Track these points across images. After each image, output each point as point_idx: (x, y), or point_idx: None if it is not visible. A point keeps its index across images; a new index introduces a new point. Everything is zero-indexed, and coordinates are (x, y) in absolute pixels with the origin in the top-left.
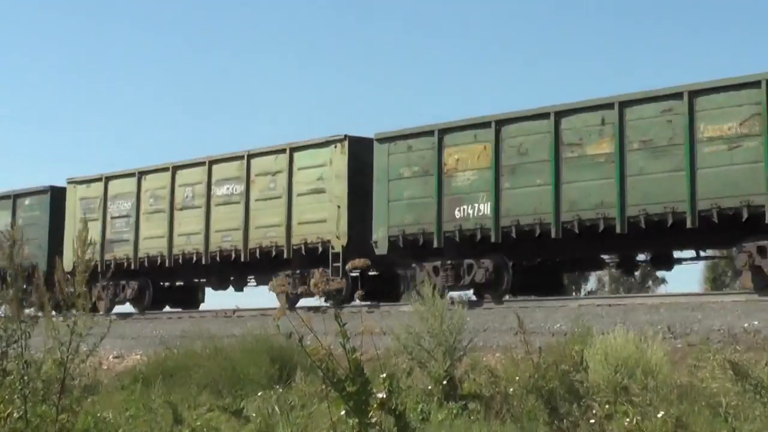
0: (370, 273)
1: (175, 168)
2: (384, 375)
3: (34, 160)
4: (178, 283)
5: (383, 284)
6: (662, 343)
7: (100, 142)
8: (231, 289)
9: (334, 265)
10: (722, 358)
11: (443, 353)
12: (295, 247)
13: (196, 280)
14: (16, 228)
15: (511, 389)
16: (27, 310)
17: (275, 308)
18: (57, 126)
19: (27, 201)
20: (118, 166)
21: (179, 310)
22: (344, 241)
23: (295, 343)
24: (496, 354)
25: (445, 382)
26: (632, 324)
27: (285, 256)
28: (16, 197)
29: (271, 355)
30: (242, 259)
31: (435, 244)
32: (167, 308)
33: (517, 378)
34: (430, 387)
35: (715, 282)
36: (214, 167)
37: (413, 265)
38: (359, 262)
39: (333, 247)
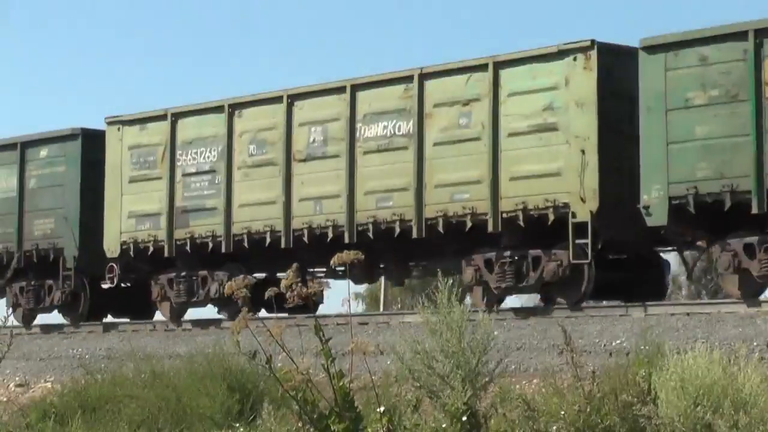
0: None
1: (293, 97)
2: (382, 409)
3: (52, 100)
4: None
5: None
6: (759, 366)
7: (131, 80)
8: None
9: (579, 241)
10: None
11: (462, 379)
12: (505, 216)
13: (323, 270)
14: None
15: (554, 427)
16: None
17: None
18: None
19: (43, 152)
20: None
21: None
22: (594, 204)
23: (261, 365)
24: (534, 380)
25: (464, 419)
26: (719, 340)
27: (490, 228)
28: (25, 147)
29: (229, 381)
30: (414, 235)
31: (754, 209)
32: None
33: (563, 413)
34: (444, 425)
35: None
36: (361, 95)
37: (700, 242)
38: (347, 255)
39: (575, 215)
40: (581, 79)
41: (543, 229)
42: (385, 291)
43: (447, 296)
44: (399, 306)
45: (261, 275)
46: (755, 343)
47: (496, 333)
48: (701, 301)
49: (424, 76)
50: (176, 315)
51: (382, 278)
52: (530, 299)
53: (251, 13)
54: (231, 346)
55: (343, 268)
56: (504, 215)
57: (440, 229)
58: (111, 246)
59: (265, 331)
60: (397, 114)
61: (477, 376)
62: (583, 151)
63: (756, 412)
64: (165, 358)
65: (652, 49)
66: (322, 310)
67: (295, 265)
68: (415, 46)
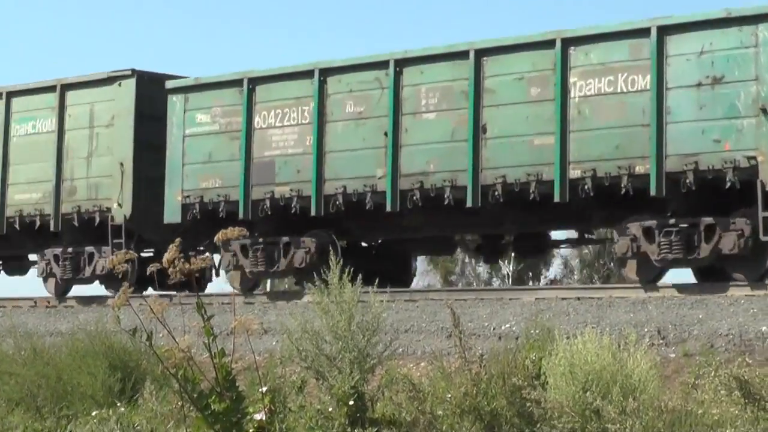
0: None
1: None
2: (264, 389)
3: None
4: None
5: None
6: (649, 352)
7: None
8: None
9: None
10: (728, 374)
11: (351, 362)
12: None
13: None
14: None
15: (441, 411)
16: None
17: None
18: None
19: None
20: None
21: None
22: None
23: (143, 342)
24: (422, 363)
25: (351, 402)
26: (609, 325)
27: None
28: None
29: (111, 359)
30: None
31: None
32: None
33: (450, 395)
34: (330, 408)
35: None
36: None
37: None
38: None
39: None
40: None
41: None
42: None
43: (338, 276)
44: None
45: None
46: (646, 329)
47: (384, 315)
48: (592, 285)
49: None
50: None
51: None
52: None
53: None
54: (113, 324)
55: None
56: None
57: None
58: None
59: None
60: None
61: (365, 358)
62: None
63: (645, 398)
64: (46, 336)
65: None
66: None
67: (178, 239)
68: None
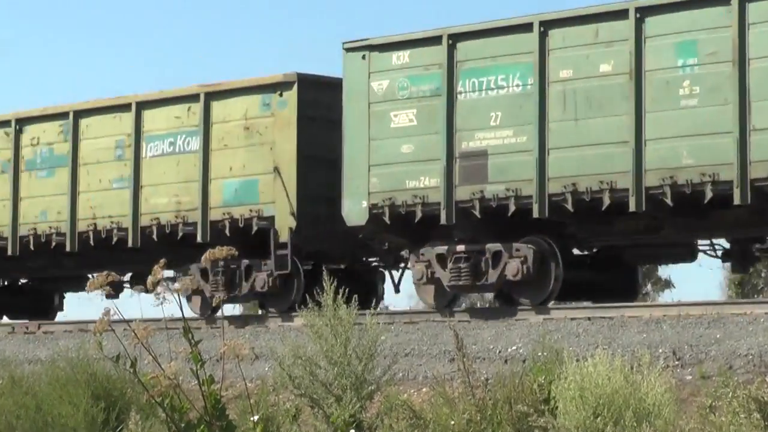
0: None
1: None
2: (256, 418)
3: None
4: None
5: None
6: (664, 374)
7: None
8: None
9: None
10: (747, 396)
11: (348, 388)
12: None
13: None
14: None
15: None
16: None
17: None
18: None
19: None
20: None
21: None
22: None
23: (126, 369)
24: (423, 389)
25: (350, 431)
26: (621, 346)
27: None
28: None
29: (94, 388)
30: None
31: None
32: None
33: (453, 422)
34: None
35: (743, 287)
36: None
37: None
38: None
39: None
40: None
41: None
42: None
43: (332, 297)
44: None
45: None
46: (660, 350)
47: (383, 338)
48: (603, 304)
49: None
50: None
51: None
52: None
53: None
54: (95, 350)
55: None
56: None
57: None
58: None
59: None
60: None
61: (363, 384)
62: None
63: (660, 423)
64: (25, 364)
65: None
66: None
67: (162, 260)
68: None
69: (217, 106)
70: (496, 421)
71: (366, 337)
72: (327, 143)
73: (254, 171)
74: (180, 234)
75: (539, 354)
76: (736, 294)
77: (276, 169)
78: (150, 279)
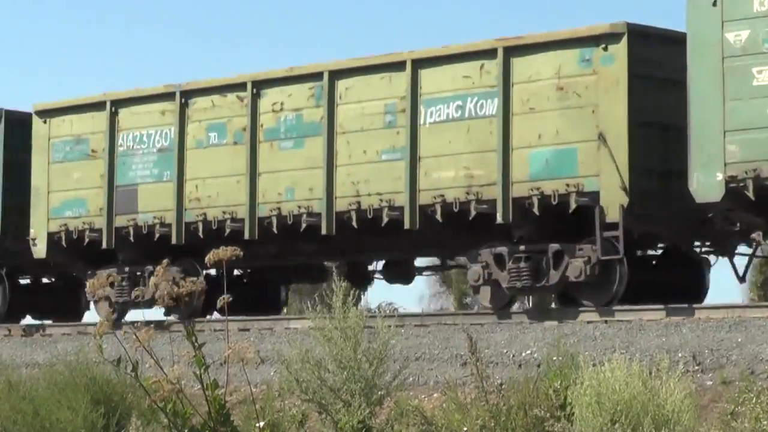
0: None
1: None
2: (262, 423)
3: None
4: None
5: None
6: (683, 379)
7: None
8: None
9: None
10: None
11: (357, 393)
12: None
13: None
14: None
15: None
16: None
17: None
18: None
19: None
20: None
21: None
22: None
23: (127, 373)
24: (434, 394)
25: None
26: (639, 350)
27: None
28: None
29: (93, 393)
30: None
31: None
32: None
33: (465, 429)
34: None
35: (765, 289)
36: None
37: None
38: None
39: None
40: None
41: None
42: None
43: (342, 299)
44: (285, 311)
45: None
46: (680, 355)
47: (393, 341)
48: (620, 307)
49: None
50: None
51: None
52: None
53: None
54: (95, 354)
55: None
56: None
57: None
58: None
59: (132, 336)
60: None
61: (372, 389)
62: None
63: (680, 430)
64: (22, 368)
65: None
66: None
67: (165, 261)
68: None
69: (519, 63)
70: (510, 427)
71: (376, 340)
72: (660, 106)
73: (571, 138)
74: (472, 213)
75: (554, 358)
76: (758, 296)
77: (601, 136)
78: (152, 279)
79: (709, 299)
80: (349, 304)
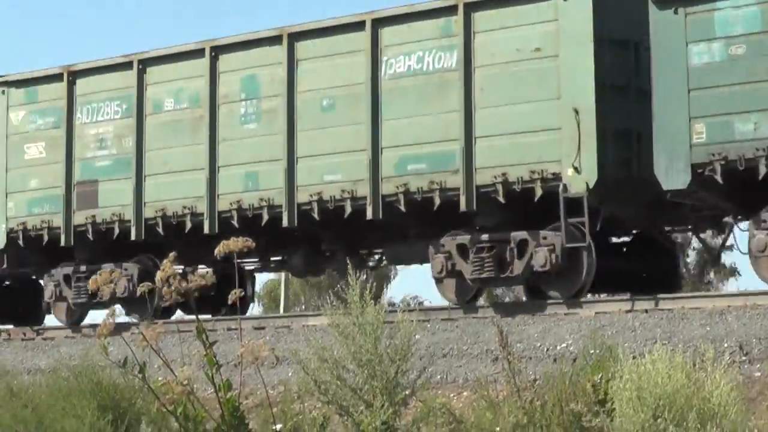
0: None
1: None
2: (279, 427)
3: None
4: None
5: None
6: (730, 371)
7: None
8: None
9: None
10: None
11: (379, 392)
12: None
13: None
14: None
15: None
16: None
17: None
18: None
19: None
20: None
21: None
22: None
23: (134, 375)
24: (464, 393)
25: None
26: (682, 341)
27: None
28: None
29: (100, 398)
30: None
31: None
32: None
33: (498, 429)
34: None
35: None
36: None
37: None
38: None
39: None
40: None
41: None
42: (286, 289)
43: (359, 293)
44: (303, 307)
45: None
46: (725, 345)
47: (417, 337)
48: (662, 295)
49: None
50: None
51: (283, 274)
52: None
53: None
54: (101, 357)
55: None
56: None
57: None
58: None
59: (138, 338)
60: None
61: (396, 388)
62: None
63: (727, 423)
64: (24, 373)
65: None
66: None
67: (172, 254)
68: None
69: None
70: (545, 424)
71: (398, 336)
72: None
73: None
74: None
75: (591, 351)
76: None
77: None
78: (159, 274)
79: (756, 285)
80: (366, 298)
